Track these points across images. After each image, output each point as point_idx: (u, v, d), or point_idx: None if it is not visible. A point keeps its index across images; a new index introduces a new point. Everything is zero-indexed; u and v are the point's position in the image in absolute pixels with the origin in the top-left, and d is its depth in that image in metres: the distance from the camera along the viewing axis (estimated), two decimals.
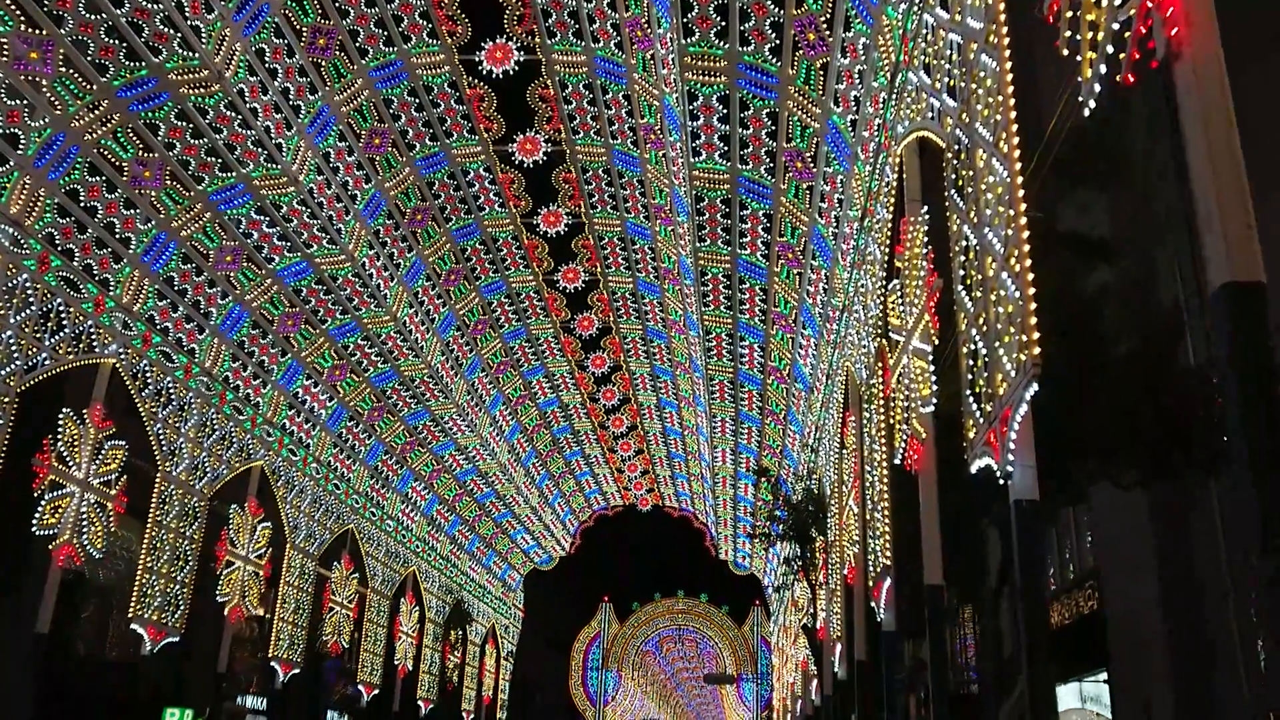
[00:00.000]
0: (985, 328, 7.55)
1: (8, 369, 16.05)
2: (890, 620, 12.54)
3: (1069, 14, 5.93)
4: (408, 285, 25.59)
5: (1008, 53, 7.23)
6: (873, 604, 13.41)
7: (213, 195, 19.58)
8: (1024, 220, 6.71)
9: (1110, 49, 5.25)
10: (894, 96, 11.73)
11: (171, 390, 20.73)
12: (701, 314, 24.52)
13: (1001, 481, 7.16)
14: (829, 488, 19.94)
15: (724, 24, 16.12)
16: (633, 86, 20.15)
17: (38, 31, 15.28)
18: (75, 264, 17.61)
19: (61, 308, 17.37)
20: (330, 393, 26.88)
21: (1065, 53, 5.91)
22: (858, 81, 14.22)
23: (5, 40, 15.01)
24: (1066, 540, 15.49)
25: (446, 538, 39.32)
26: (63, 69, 15.81)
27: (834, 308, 17.94)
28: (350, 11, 18.78)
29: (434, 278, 26.43)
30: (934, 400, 9.96)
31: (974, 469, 7.86)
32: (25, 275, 16.43)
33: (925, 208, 10.58)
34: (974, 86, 8.03)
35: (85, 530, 17.89)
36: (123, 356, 19.10)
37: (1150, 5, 4.90)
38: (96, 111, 16.68)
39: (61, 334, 17.38)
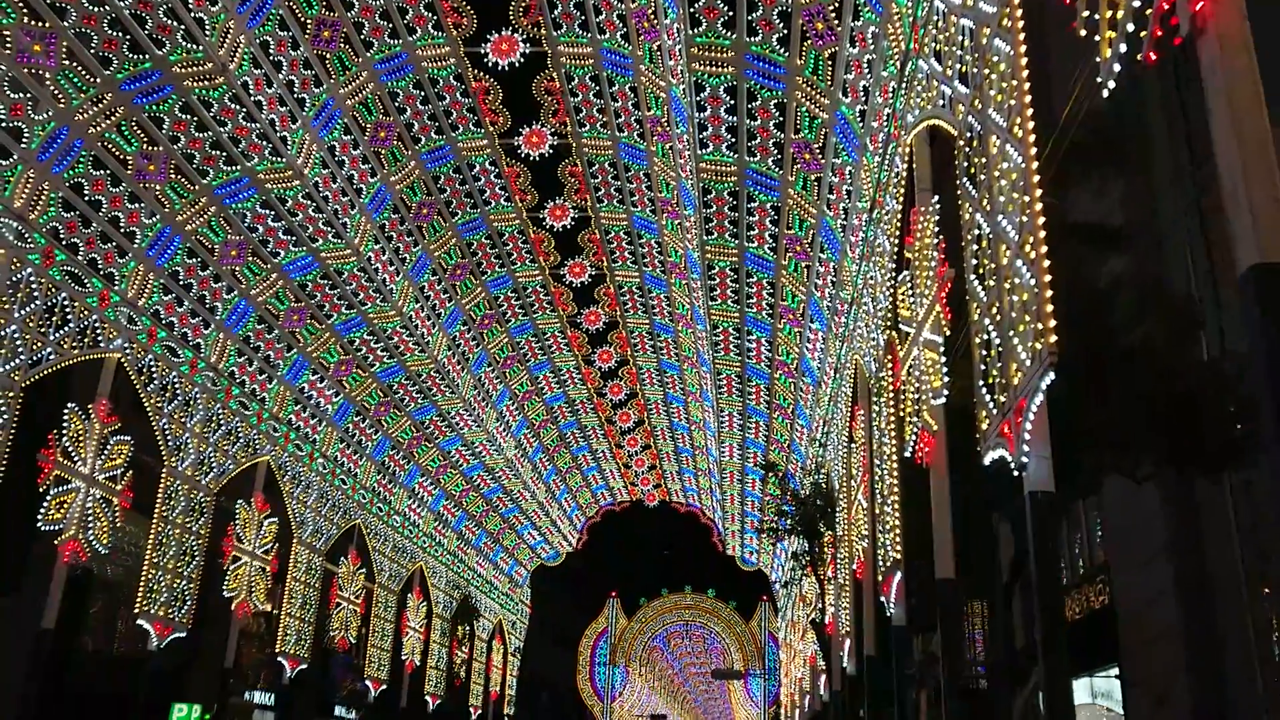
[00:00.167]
0: (999, 317, 7.42)
1: (12, 364, 16.00)
2: (900, 615, 12.41)
3: None
4: (413, 280, 25.50)
5: (1022, 35, 7.08)
6: (882, 598, 13.28)
7: (218, 189, 19.50)
8: (1039, 205, 6.57)
9: (1131, 26, 5.11)
10: (904, 85, 11.59)
11: (177, 385, 20.67)
12: (709, 308, 24.38)
13: (1016, 473, 7.03)
14: (837, 482, 19.80)
15: (731, 14, 15.99)
16: (639, 78, 20.01)
17: (41, 24, 15.20)
18: (80, 258, 17.55)
19: (66, 302, 17.32)
20: (336, 388, 26.82)
21: (1083, 33, 5.77)
22: (867, 71, 14.07)
23: (8, 32, 14.95)
24: (1077, 534, 15.35)
25: (453, 533, 39.27)
26: (66, 62, 15.74)
27: (842, 301, 17.79)
28: (355, 3, 18.67)
29: (440, 272, 26.33)
30: (945, 392, 9.82)
31: (987, 461, 7.73)
32: (29, 269, 16.37)
33: (936, 197, 10.44)
34: (987, 72, 7.89)
35: (91, 526, 17.85)
36: (128, 351, 19.04)
37: None
38: (100, 105, 16.61)
39: (66, 328, 17.32)
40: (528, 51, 20.13)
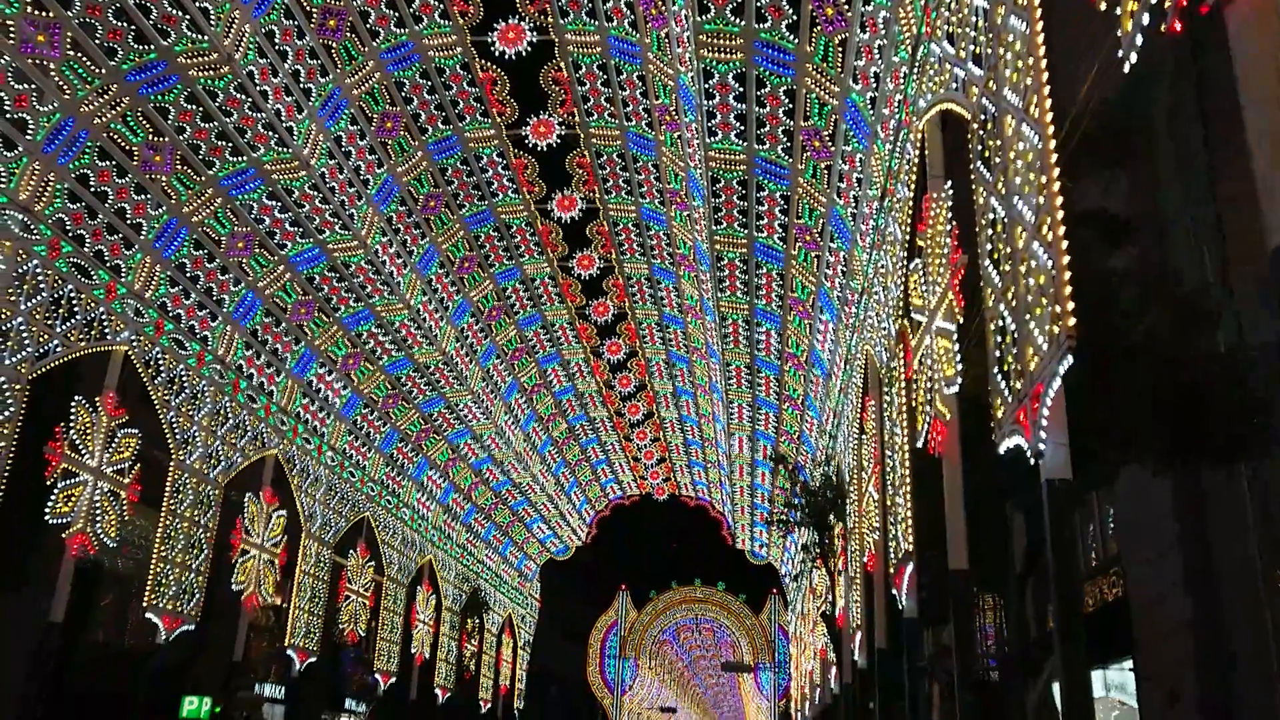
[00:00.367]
0: (1015, 302, 7.27)
1: (19, 356, 15.95)
2: (911, 607, 12.27)
3: None
4: (421, 272, 25.40)
5: (1039, 13, 6.91)
6: (894, 591, 13.13)
7: (224, 180, 19.41)
8: (1056, 186, 6.41)
9: None
10: (915, 70, 11.41)
11: (184, 378, 20.61)
12: (718, 299, 24.22)
13: (1032, 461, 6.88)
14: (848, 473, 19.65)
15: (740, 0, 15.80)
16: (647, 67, 19.84)
17: (45, 14, 15.11)
18: (86, 250, 17.48)
19: (73, 294, 17.26)
20: (344, 381, 26.75)
21: (1103, 6, 5.60)
22: (877, 57, 13.89)
23: (12, 23, 14.86)
24: (1089, 525, 15.17)
25: (462, 526, 39.23)
26: (71, 52, 15.66)
27: (853, 290, 17.62)
28: None
29: (448, 264, 26.23)
30: (959, 380, 9.66)
31: (1002, 449, 7.57)
32: (35, 261, 16.31)
33: (949, 183, 10.27)
34: (1002, 52, 7.72)
35: (99, 519, 17.81)
36: (135, 344, 18.98)
37: None
38: (106, 95, 16.53)
39: (73, 321, 17.27)
40: (535, 40, 19.98)
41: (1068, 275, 6.24)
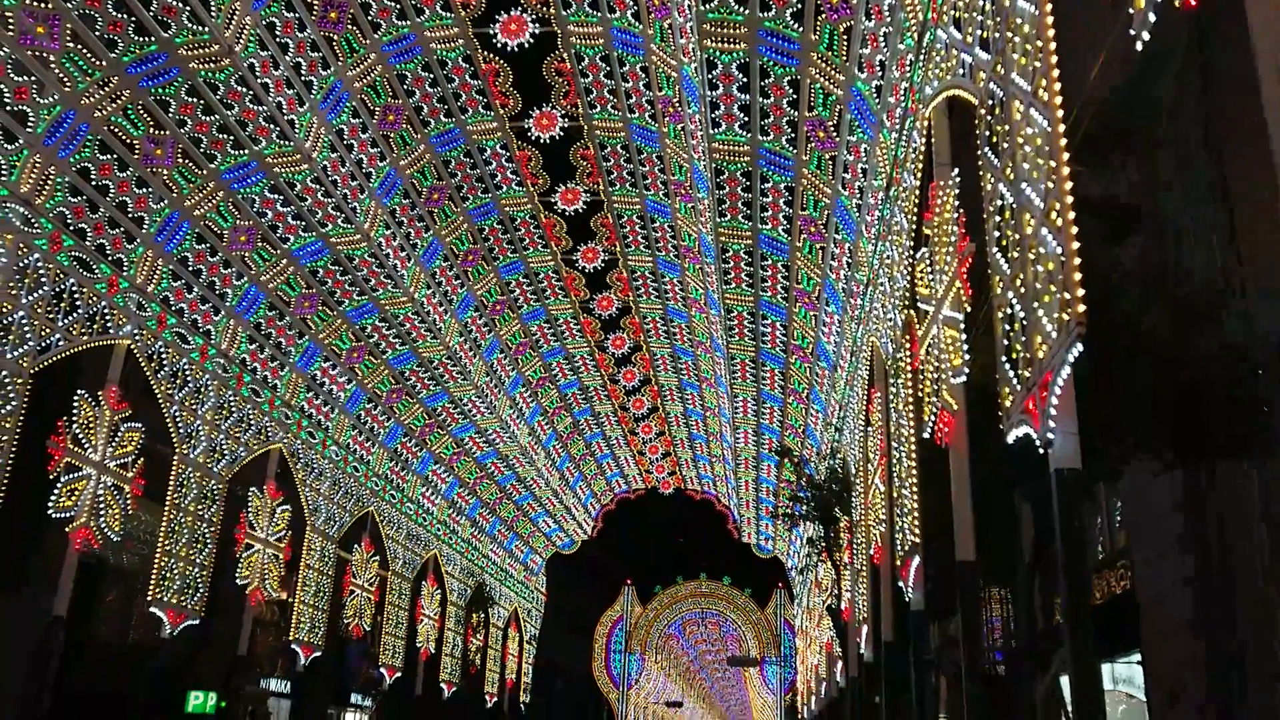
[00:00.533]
0: (1023, 289, 7.16)
1: (20, 350, 15.90)
2: (918, 599, 12.17)
3: None
4: (425, 266, 25.32)
5: None
6: (900, 583, 13.04)
7: (225, 173, 19.33)
8: (1066, 170, 6.30)
9: None
10: (922, 57, 11.28)
11: (187, 372, 20.57)
12: (722, 292, 24.11)
13: (1041, 450, 6.77)
14: (853, 466, 19.55)
15: None
16: (650, 58, 19.71)
17: (44, 5, 15.04)
18: (88, 244, 17.42)
19: (74, 288, 17.20)
20: (348, 375, 26.70)
21: None
22: (883, 45, 13.74)
23: (11, 14, 14.79)
24: (1097, 519, 15.07)
25: (467, 520, 39.19)
26: (70, 44, 15.58)
27: (858, 282, 17.50)
28: None
29: (451, 258, 26.14)
30: (966, 370, 9.55)
31: (1010, 439, 7.46)
32: (37, 255, 16.25)
33: (955, 170, 10.15)
34: (1010, 35, 7.60)
35: (102, 513, 17.76)
36: (137, 338, 18.93)
37: None
38: (106, 88, 16.46)
39: (75, 315, 17.22)
40: (537, 32, 19.84)
41: (1077, 261, 6.13)
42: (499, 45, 20.14)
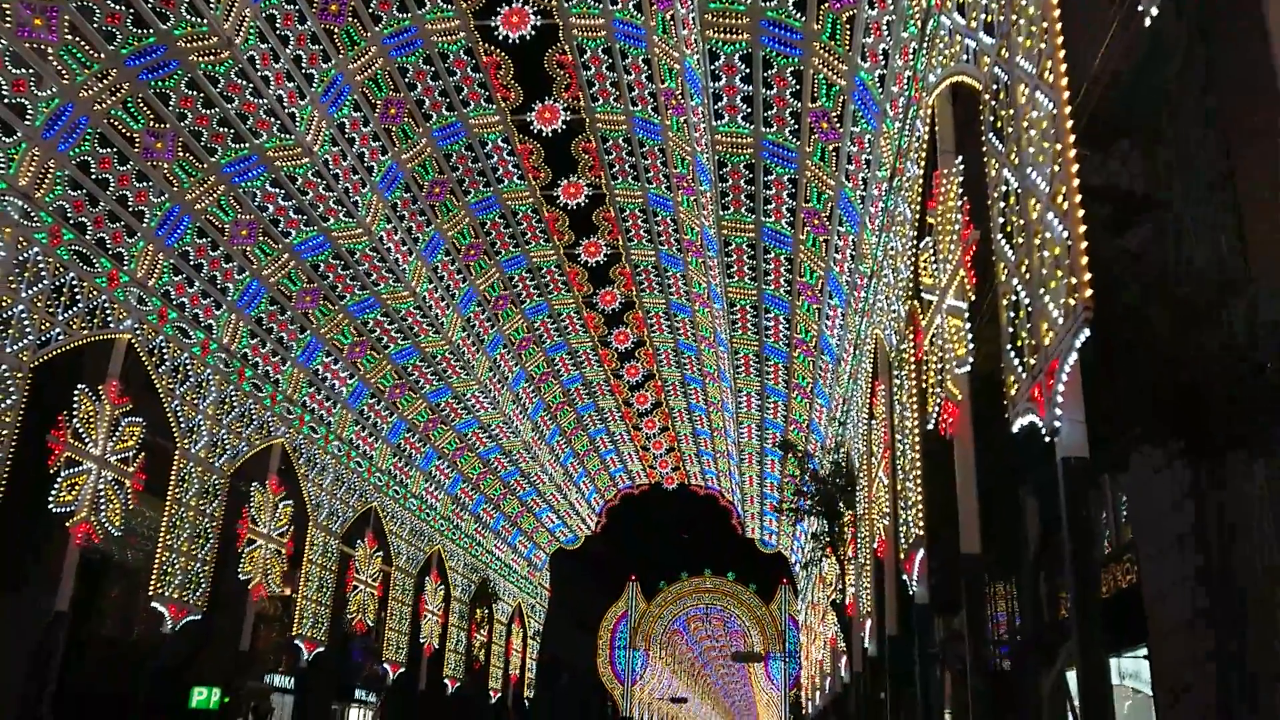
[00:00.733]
0: (1028, 275, 7.05)
1: (20, 344, 15.84)
2: (923, 593, 12.06)
3: None
4: (427, 260, 25.23)
5: None
6: (904, 577, 12.93)
7: (226, 167, 19.25)
8: (1072, 153, 6.18)
9: None
10: (925, 45, 11.16)
11: (189, 367, 20.50)
12: (725, 286, 24.00)
13: (1047, 439, 6.66)
14: (857, 460, 19.43)
15: None
16: (653, 50, 19.60)
17: None
18: (88, 238, 17.35)
19: (74, 282, 17.13)
20: (351, 370, 26.63)
21: None
22: (886, 33, 13.63)
23: (9, 6, 14.71)
24: (1103, 512, 14.94)
25: (471, 516, 39.14)
26: (69, 36, 15.49)
27: (862, 274, 17.38)
28: None
29: (453, 252, 26.05)
30: (970, 359, 9.44)
31: (1016, 428, 7.35)
32: (36, 249, 16.18)
33: (959, 158, 10.03)
34: (1014, 18, 7.49)
35: (103, 508, 17.70)
36: (138, 332, 18.86)
37: None
38: (105, 81, 16.36)
39: (75, 309, 17.15)
40: (539, 24, 19.73)
41: (1084, 245, 6.02)
42: (500, 38, 20.04)
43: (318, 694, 33.85)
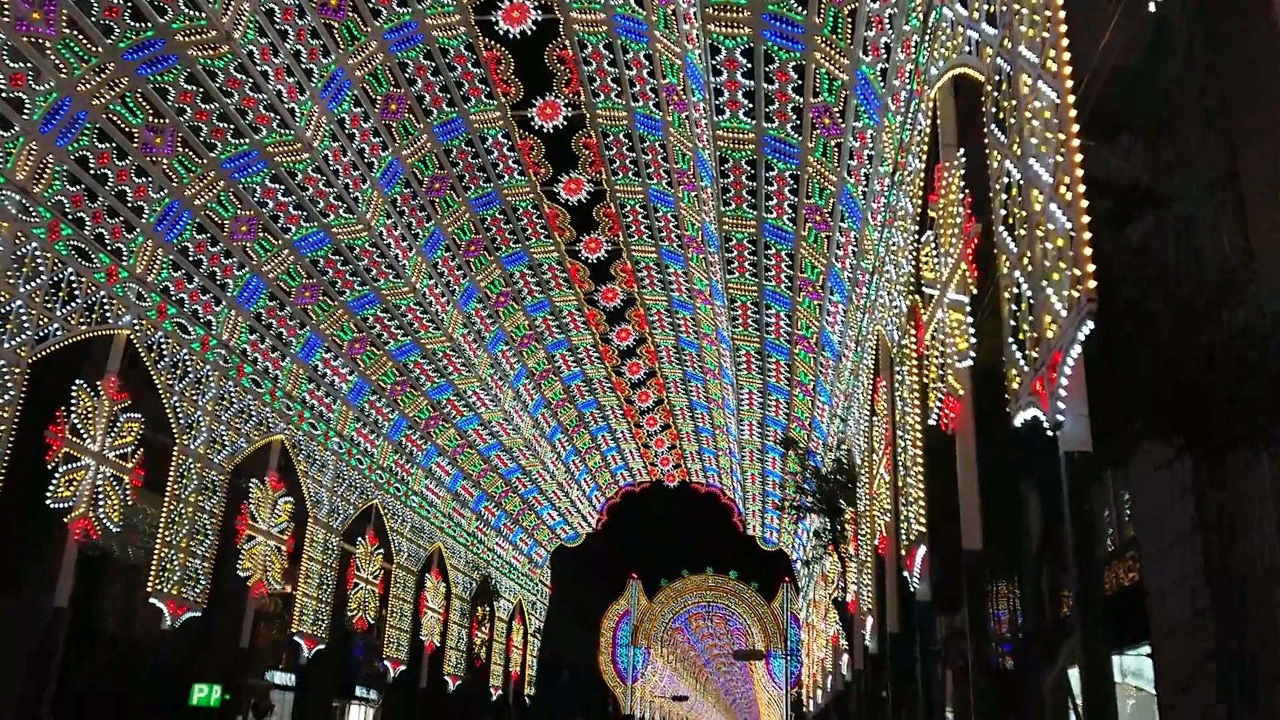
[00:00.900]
0: (1031, 268, 6.97)
1: (18, 339, 15.78)
2: (924, 590, 11.99)
3: None
4: (427, 256, 25.16)
5: None
6: (905, 574, 12.86)
7: (226, 162, 19.19)
8: (1076, 143, 6.10)
9: None
10: (927, 37, 11.07)
11: (188, 362, 20.44)
12: (727, 282, 23.91)
13: (1050, 433, 6.58)
14: (859, 457, 19.36)
15: None
16: (654, 45, 19.51)
17: None
18: (86, 233, 17.29)
19: (73, 277, 17.07)
20: (351, 366, 26.56)
21: None
22: (888, 26, 13.54)
23: (7, 1, 14.63)
24: (1105, 509, 14.86)
25: (472, 513, 39.09)
26: (67, 30, 15.42)
27: (863, 270, 17.30)
28: None
29: (454, 248, 25.98)
30: (971, 354, 9.35)
31: (1018, 422, 7.27)
32: (34, 244, 16.12)
33: (961, 150, 9.94)
34: (1017, 8, 7.40)
35: (101, 503, 17.64)
36: (137, 328, 18.80)
37: None
38: (103, 75, 16.29)
39: (73, 304, 17.08)
40: (539, 19, 19.64)
41: (1087, 236, 5.94)
42: (501, 33, 19.95)
43: (318, 691, 33.81)
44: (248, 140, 19.07)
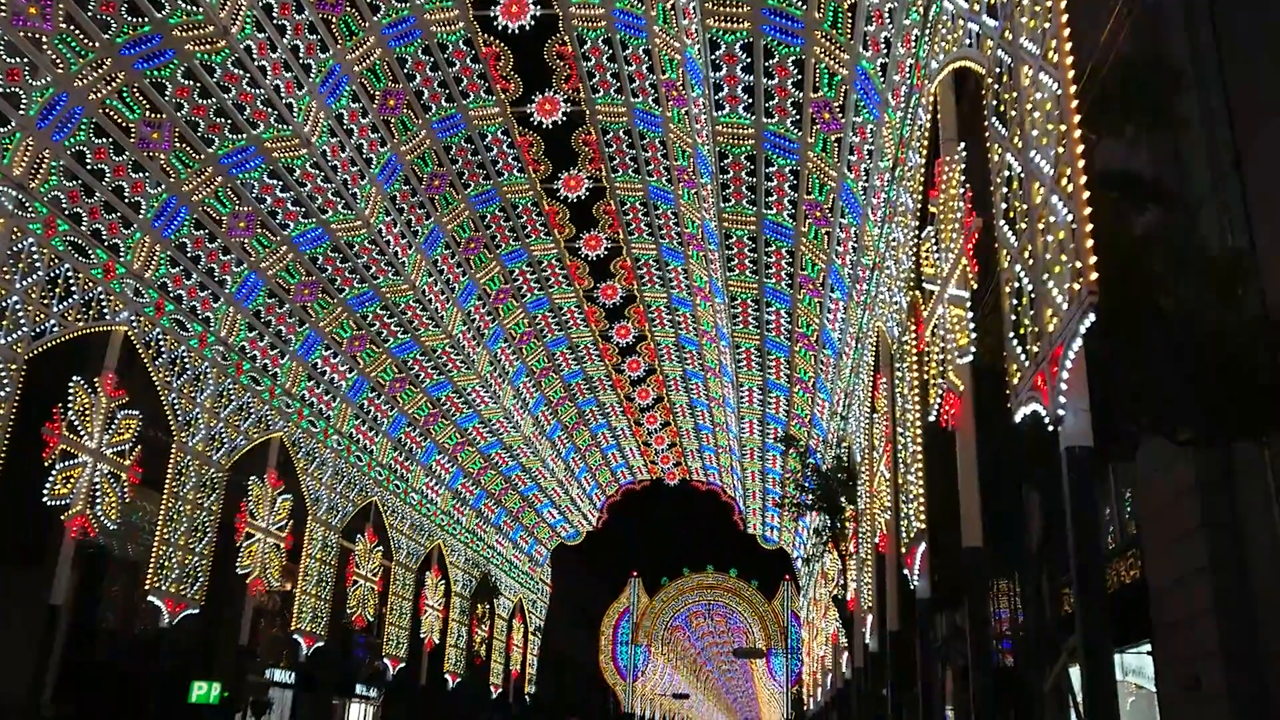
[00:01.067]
0: (1032, 261, 6.89)
1: (14, 335, 15.70)
2: (924, 587, 11.90)
3: None
4: (426, 253, 25.08)
5: None
6: (905, 571, 12.78)
7: (223, 158, 19.11)
8: (1077, 134, 6.02)
9: None
10: (927, 31, 10.99)
11: (186, 359, 20.36)
12: (727, 279, 23.83)
13: (1051, 427, 6.50)
14: (859, 455, 19.28)
15: None
16: (653, 40, 19.42)
17: None
18: (83, 229, 17.21)
19: (70, 273, 16.99)
20: (350, 364, 26.48)
21: None
22: (888, 20, 13.45)
23: None
24: (1106, 507, 14.78)
25: (472, 511, 39.02)
26: (63, 25, 15.34)
27: (864, 267, 17.21)
28: None
29: (453, 245, 25.90)
30: (972, 350, 9.26)
31: (1018, 417, 7.19)
32: (31, 239, 16.03)
33: (962, 144, 9.85)
34: None
35: (99, 501, 17.57)
36: (134, 324, 18.72)
37: None
38: (100, 70, 16.21)
39: (70, 300, 17.00)
40: (538, 14, 19.55)
41: (1089, 227, 5.85)
42: (500, 28, 19.86)
43: (318, 689, 33.74)
44: (245, 136, 18.99)
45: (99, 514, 17.52)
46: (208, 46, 16.93)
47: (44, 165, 16.07)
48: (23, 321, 15.88)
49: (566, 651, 59.23)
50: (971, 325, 9.30)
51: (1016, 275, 7.28)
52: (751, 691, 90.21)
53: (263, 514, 23.71)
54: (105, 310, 17.94)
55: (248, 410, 22.81)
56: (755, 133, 18.41)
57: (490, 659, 42.64)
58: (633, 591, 57.31)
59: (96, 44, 15.86)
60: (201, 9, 16.24)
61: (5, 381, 15.46)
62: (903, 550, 12.99)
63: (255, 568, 23.21)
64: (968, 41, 9.15)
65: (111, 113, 16.86)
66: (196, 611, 20.95)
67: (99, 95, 16.43)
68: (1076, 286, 5.92)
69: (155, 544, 19.84)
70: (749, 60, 16.81)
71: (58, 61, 15.58)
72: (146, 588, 19.80)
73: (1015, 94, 7.37)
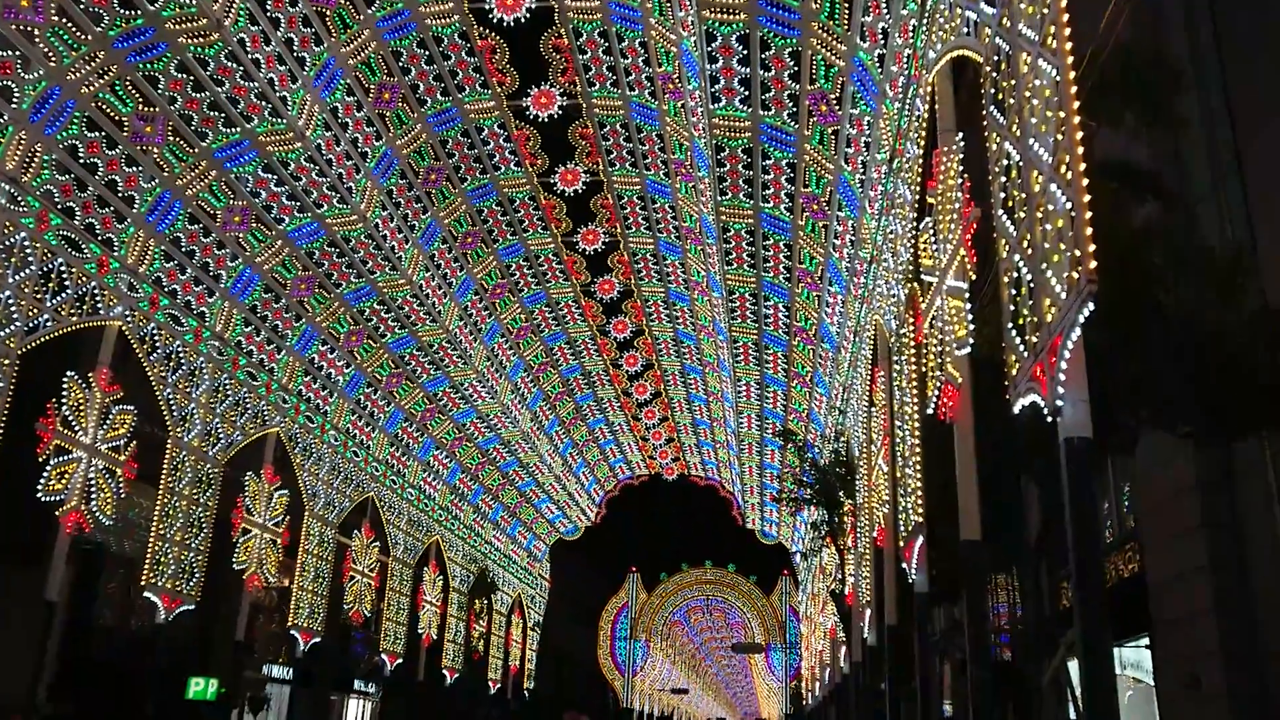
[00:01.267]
0: (1030, 250, 6.81)
1: (7, 330, 15.61)
2: (922, 581, 11.84)
3: None
4: (423, 248, 24.98)
5: None
6: (903, 565, 12.72)
7: (217, 152, 19.01)
8: (1076, 120, 5.94)
9: None
10: (925, 20, 10.90)
11: (181, 354, 20.28)
12: (724, 273, 23.75)
13: (1050, 418, 6.42)
14: (857, 449, 19.22)
15: None
16: (649, 32, 19.32)
17: None
18: (76, 223, 17.11)
19: (63, 268, 16.90)
20: (347, 359, 26.40)
21: None
22: (885, 10, 13.36)
23: None
24: (1105, 501, 14.73)
25: (470, 506, 38.96)
26: (56, 18, 15.24)
27: (861, 260, 17.14)
28: None
29: (450, 240, 25.80)
30: (970, 341, 9.19)
31: (1017, 408, 7.12)
32: (23, 234, 15.94)
33: (960, 135, 9.77)
34: None
35: (94, 497, 17.50)
36: (129, 319, 18.63)
37: None
38: (93, 63, 16.10)
39: (63, 295, 16.92)
40: (534, 6, 19.45)
41: (1088, 215, 5.78)
42: (495, 20, 19.76)
43: (316, 685, 33.69)
44: (239, 129, 18.89)
45: (94, 510, 17.46)
46: (201, 39, 16.84)
47: (37, 159, 15.98)
48: (16, 316, 15.79)
49: (565, 647, 59.20)
50: (970, 316, 9.23)
51: (1015, 265, 7.21)
52: (750, 686, 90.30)
53: (259, 509, 23.65)
54: (99, 305, 17.86)
55: (244, 405, 22.74)
56: (752, 125, 18.31)
57: (488, 655, 42.61)
58: (631, 587, 57.34)
59: (89, 37, 15.76)
60: (195, 2, 16.14)
61: None
62: (901, 544, 12.93)
63: (252, 563, 23.15)
64: (965, 30, 9.07)
65: (104, 106, 16.76)
66: (193, 607, 20.89)
67: (92, 89, 16.33)
68: (1075, 275, 5.85)
69: (151, 540, 19.78)
70: (745, 52, 16.71)
71: (50, 55, 15.48)
72: (143, 584, 19.74)
73: (1014, 81, 7.29)
